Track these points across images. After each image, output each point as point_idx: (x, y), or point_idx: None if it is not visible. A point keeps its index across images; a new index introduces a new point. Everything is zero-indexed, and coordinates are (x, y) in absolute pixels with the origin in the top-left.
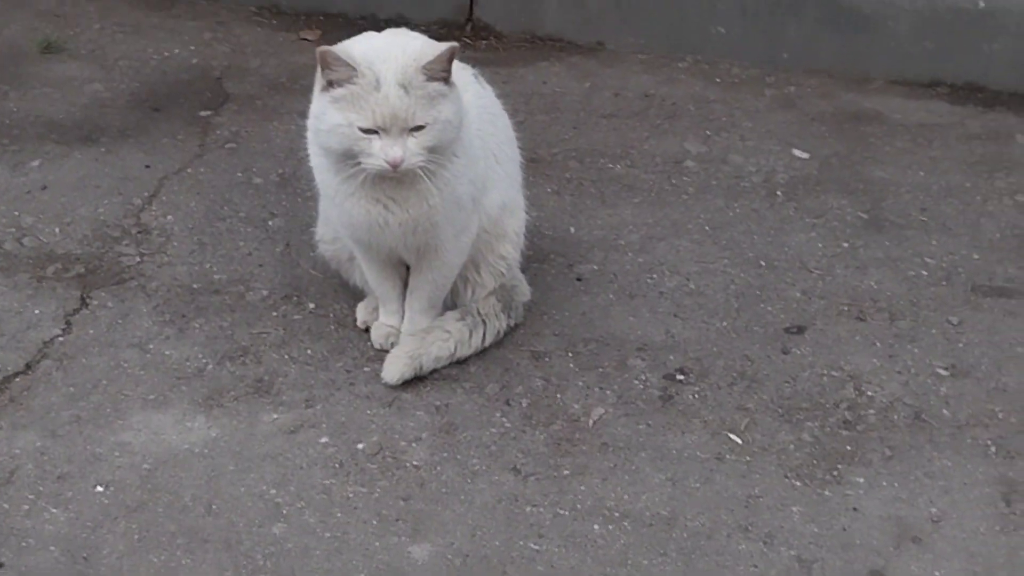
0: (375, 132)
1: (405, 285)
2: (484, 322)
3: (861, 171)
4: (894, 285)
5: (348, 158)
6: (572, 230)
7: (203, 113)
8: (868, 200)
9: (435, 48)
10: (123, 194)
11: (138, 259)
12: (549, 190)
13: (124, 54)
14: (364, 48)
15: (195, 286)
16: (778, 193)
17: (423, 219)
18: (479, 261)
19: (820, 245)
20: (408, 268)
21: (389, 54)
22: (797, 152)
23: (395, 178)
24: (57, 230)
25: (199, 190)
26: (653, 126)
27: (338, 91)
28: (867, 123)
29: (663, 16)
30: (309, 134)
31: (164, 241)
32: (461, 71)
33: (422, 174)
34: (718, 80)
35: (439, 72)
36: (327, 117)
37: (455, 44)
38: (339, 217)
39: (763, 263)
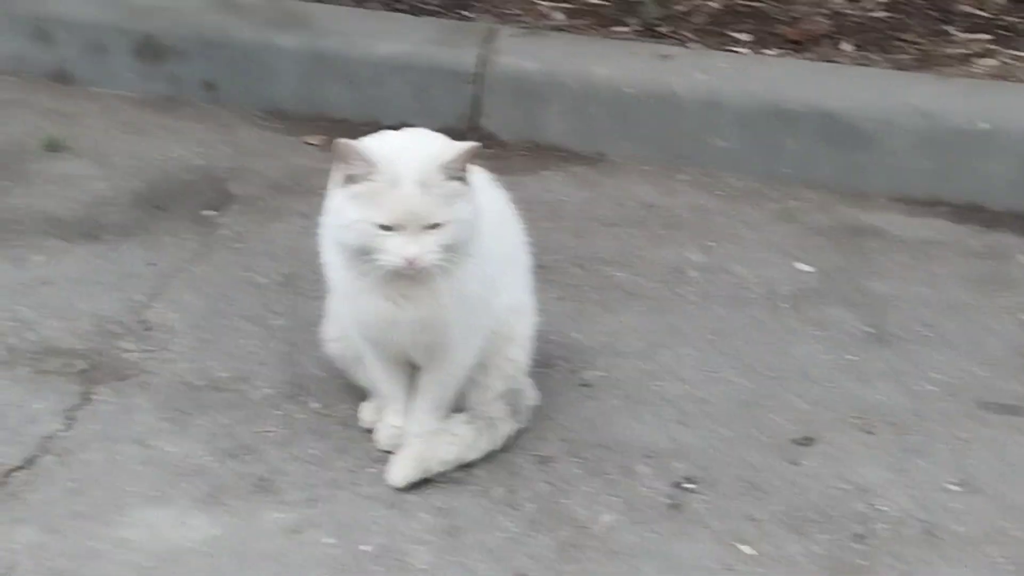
0: (392, 229)
1: (413, 386)
2: (491, 425)
3: (863, 285)
4: (900, 399)
5: (363, 254)
6: (576, 336)
7: (206, 212)
8: (871, 313)
9: (455, 147)
10: (125, 291)
11: (140, 355)
12: (553, 296)
13: (127, 153)
14: (383, 145)
15: (197, 383)
16: (781, 304)
17: (434, 318)
18: (488, 364)
19: (825, 357)
20: (416, 368)
21: (408, 152)
22: (799, 265)
23: (409, 276)
24: (59, 325)
25: (201, 288)
26: (654, 235)
27: (356, 187)
28: (868, 238)
29: (663, 128)
30: (322, 229)
31: (166, 338)
32: (476, 173)
33: (436, 273)
34: (719, 192)
35: (458, 171)
36: (345, 213)
37: (476, 144)
38: (350, 314)
39: (768, 373)
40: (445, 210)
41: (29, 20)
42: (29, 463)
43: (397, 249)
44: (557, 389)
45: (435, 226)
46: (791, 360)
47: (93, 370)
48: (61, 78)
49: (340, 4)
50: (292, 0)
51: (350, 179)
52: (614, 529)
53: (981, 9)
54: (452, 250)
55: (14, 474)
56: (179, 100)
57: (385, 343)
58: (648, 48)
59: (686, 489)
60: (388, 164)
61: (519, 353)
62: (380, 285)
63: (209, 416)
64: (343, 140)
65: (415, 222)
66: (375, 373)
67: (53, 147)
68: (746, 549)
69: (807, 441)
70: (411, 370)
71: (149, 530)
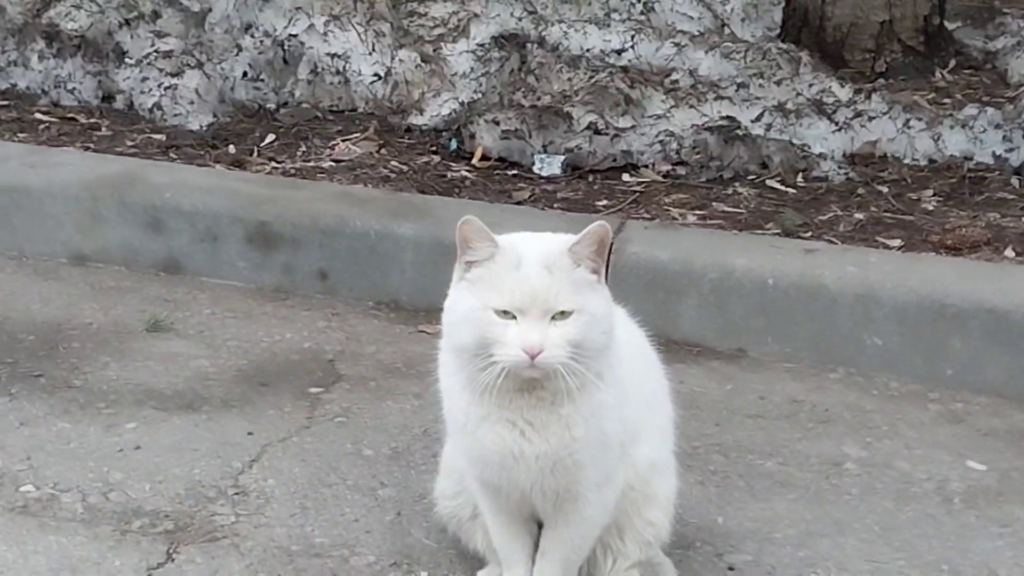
0: (513, 318)
1: (536, 546)
2: None
3: None
4: None
5: (480, 351)
6: (720, 520)
7: (313, 390)
8: None
9: (582, 232)
10: (222, 457)
11: (233, 519)
12: (692, 480)
13: (233, 336)
14: (508, 236)
15: (294, 548)
16: (955, 500)
17: (564, 454)
18: (623, 525)
19: (1010, 554)
20: (540, 527)
21: (534, 240)
22: (972, 463)
23: (535, 394)
24: (148, 487)
25: (304, 458)
26: (805, 428)
27: (475, 272)
28: None
29: (812, 324)
30: (441, 345)
31: (263, 503)
32: (614, 308)
33: (567, 392)
34: (874, 392)
35: (587, 258)
36: (461, 303)
37: (605, 224)
38: (467, 451)
39: (945, 567)
40: (573, 297)
41: (142, 209)
42: None
43: (516, 339)
44: (700, 571)
45: (562, 317)
46: (972, 556)
47: (180, 531)
48: (172, 268)
49: (461, 197)
50: (410, 193)
51: (469, 266)
52: None
53: None
54: (581, 350)
55: None
56: (290, 290)
57: (507, 486)
58: (791, 243)
59: None
60: (511, 246)
61: (660, 516)
62: (502, 409)
63: None
64: (467, 216)
65: (537, 306)
66: (494, 531)
67: (156, 328)
68: None
69: None
70: (534, 528)
71: None
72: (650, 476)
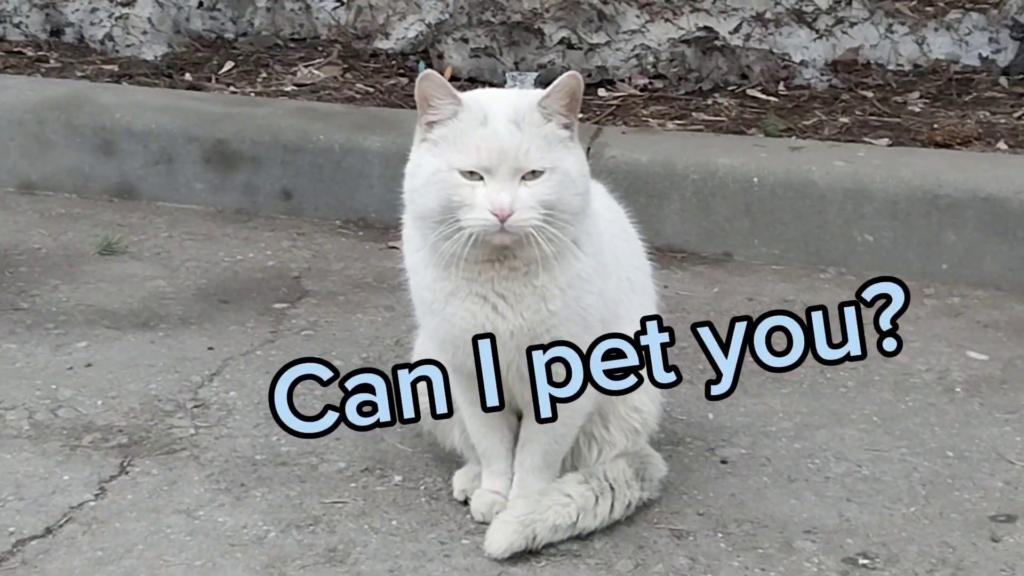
0: (480, 179)
1: (516, 440)
2: (612, 488)
3: None
4: None
5: (446, 217)
6: (711, 416)
7: (278, 306)
8: None
9: (554, 84)
10: (179, 372)
11: (192, 431)
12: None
13: (192, 257)
14: (472, 92)
15: (258, 457)
16: (956, 389)
17: (541, 330)
18: (608, 413)
19: (1019, 439)
20: (520, 418)
21: (502, 95)
22: (973, 354)
23: (506, 264)
24: (100, 403)
25: (268, 370)
26: None
27: (437, 131)
28: None
29: (800, 224)
30: (405, 218)
31: (224, 415)
32: (593, 182)
33: (540, 261)
34: None
35: (558, 113)
36: (423, 166)
37: (576, 74)
38: (437, 329)
39: (950, 453)
40: (544, 155)
41: (91, 131)
42: (49, 532)
43: (484, 200)
44: (691, 466)
45: (533, 177)
46: (978, 442)
47: (134, 445)
48: (125, 192)
49: None
50: (375, 108)
51: (431, 127)
52: None
53: None
54: (554, 213)
55: (30, 543)
56: (252, 211)
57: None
58: (776, 142)
59: (863, 566)
60: (475, 102)
61: (647, 402)
62: (471, 279)
63: (271, 488)
64: (427, 71)
65: (507, 164)
66: (470, 424)
67: (110, 251)
68: None
69: (1009, 519)
70: (514, 420)
71: None
72: None
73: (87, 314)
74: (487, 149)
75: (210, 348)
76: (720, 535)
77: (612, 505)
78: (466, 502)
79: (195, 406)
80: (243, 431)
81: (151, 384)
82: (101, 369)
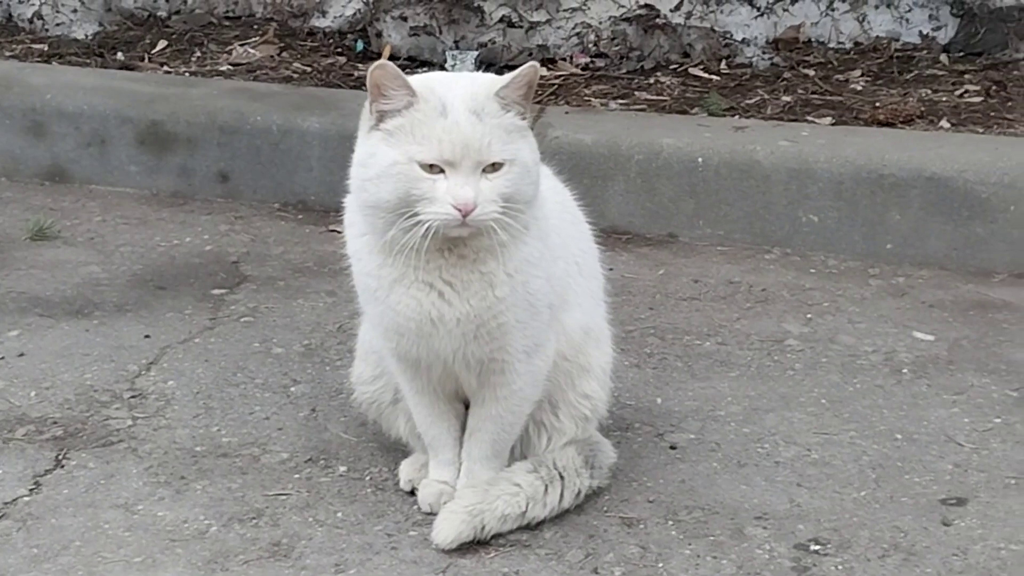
0: (440, 172)
1: (463, 428)
2: (562, 477)
3: (1000, 353)
4: None
5: (404, 210)
6: (659, 400)
7: (216, 291)
8: (1015, 379)
9: (512, 74)
10: (116, 361)
11: (130, 422)
12: (627, 363)
13: (127, 242)
14: (424, 79)
15: (198, 448)
16: (904, 371)
17: (488, 317)
18: (557, 399)
19: (967, 420)
20: (467, 407)
21: (455, 83)
22: (919, 334)
23: (456, 252)
24: (33, 394)
25: (208, 358)
26: (743, 309)
27: (393, 122)
28: (996, 311)
29: (745, 204)
30: (348, 203)
31: (163, 405)
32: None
33: (490, 249)
34: (812, 271)
35: (516, 102)
36: (379, 157)
37: (535, 64)
38: (382, 317)
39: (899, 436)
40: (505, 147)
41: (20, 113)
42: None
43: (447, 195)
44: (641, 452)
45: (493, 170)
46: (927, 424)
47: (70, 437)
48: (57, 176)
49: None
50: (314, 87)
51: (384, 116)
52: None
53: None
54: (513, 203)
55: None
56: (189, 194)
57: (427, 358)
58: (720, 121)
59: (815, 552)
60: (432, 92)
61: (596, 388)
62: (418, 267)
63: (212, 481)
64: (381, 61)
65: (470, 157)
66: (417, 413)
67: (41, 236)
68: None
69: (960, 502)
70: (461, 409)
71: None
72: (584, 344)
73: (18, 302)
74: (449, 142)
75: (147, 336)
76: (671, 522)
77: (561, 494)
78: (413, 492)
79: (132, 396)
80: (182, 422)
81: (86, 374)
82: (34, 359)
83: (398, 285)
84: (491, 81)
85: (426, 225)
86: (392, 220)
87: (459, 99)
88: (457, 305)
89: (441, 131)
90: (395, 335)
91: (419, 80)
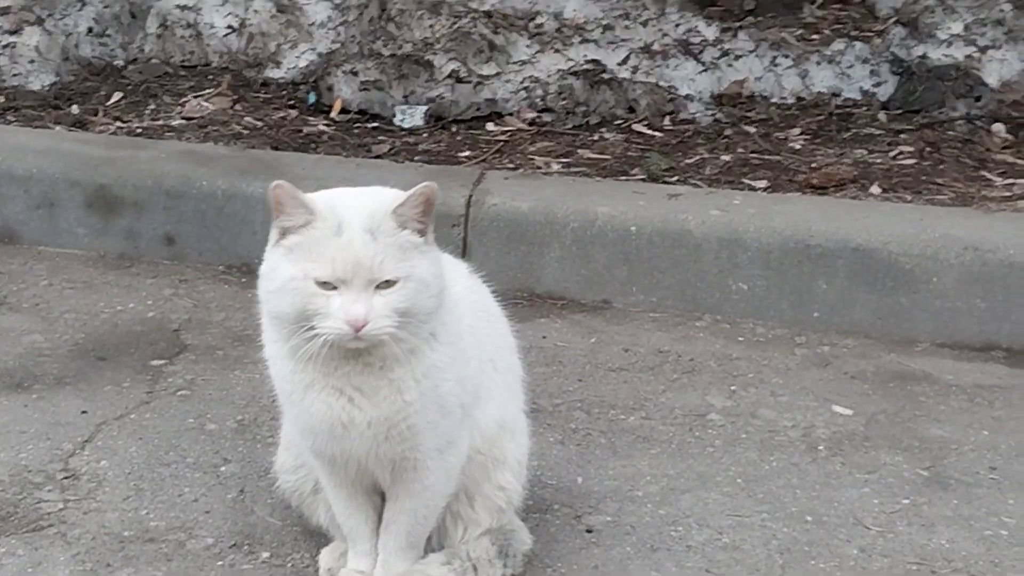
0: (335, 288)
1: (380, 520)
2: (475, 568)
3: (914, 429)
4: (969, 545)
5: (301, 323)
6: (579, 480)
7: (155, 362)
8: (927, 457)
9: (409, 192)
10: (52, 439)
11: (61, 505)
12: (552, 439)
13: (71, 308)
14: (327, 196)
15: (126, 533)
16: (820, 448)
17: (398, 420)
18: (472, 491)
19: (876, 501)
20: (384, 499)
21: (355, 201)
22: (838, 408)
23: (361, 360)
24: None
25: (142, 435)
26: (670, 380)
27: (292, 239)
28: (915, 383)
29: (677, 272)
30: (261, 306)
31: (94, 487)
32: (453, 263)
33: (395, 357)
34: (740, 339)
35: (413, 220)
36: (279, 272)
37: (432, 184)
38: (297, 418)
39: (809, 518)
40: (399, 264)
41: None
42: None
43: (339, 311)
44: (557, 536)
45: (388, 286)
46: (837, 505)
47: (1, 522)
48: (5, 237)
49: (318, 152)
50: (262, 150)
51: (285, 232)
52: None
53: (1021, 158)
54: (409, 318)
55: None
56: (135, 257)
57: (341, 456)
58: (655, 188)
59: None
60: (330, 211)
61: (511, 480)
62: (328, 376)
63: (136, 568)
64: (278, 181)
65: (361, 276)
66: (335, 505)
67: None
68: None
69: None
70: (378, 501)
71: None
72: (498, 437)
73: None
74: (342, 260)
75: (84, 412)
76: None
77: None
78: None
79: (65, 477)
80: (112, 504)
81: (22, 453)
82: None
83: (311, 390)
84: (391, 199)
85: (323, 338)
86: (293, 330)
87: (356, 218)
88: (367, 409)
89: (335, 250)
90: (310, 435)
91: (322, 197)
